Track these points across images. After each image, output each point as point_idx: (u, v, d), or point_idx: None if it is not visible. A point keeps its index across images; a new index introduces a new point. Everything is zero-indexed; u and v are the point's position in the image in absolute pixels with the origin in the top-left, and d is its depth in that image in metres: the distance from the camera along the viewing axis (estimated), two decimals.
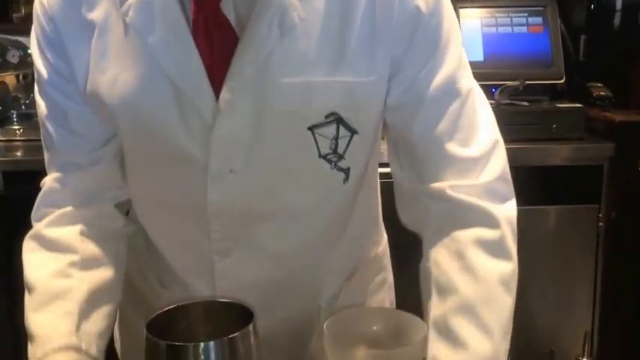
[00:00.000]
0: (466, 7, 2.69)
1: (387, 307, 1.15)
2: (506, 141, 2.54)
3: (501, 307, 0.94)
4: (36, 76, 1.01)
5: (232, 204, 0.96)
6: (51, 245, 1.02)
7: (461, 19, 2.64)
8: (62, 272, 0.99)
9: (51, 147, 1.04)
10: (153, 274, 1.13)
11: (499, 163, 1.02)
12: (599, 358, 2.54)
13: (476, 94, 1.01)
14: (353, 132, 0.94)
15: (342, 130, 0.94)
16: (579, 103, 2.65)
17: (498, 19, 2.70)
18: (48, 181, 1.05)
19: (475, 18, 2.69)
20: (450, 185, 0.96)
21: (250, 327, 0.74)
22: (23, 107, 2.68)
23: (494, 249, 0.96)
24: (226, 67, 0.89)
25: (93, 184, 1.04)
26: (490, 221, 0.96)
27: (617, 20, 2.82)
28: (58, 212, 1.04)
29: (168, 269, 1.08)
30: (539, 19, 2.72)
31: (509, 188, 1.05)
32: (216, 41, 0.90)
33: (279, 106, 0.91)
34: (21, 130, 2.52)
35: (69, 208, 1.04)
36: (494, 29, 2.69)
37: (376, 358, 0.72)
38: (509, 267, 0.98)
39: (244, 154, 0.94)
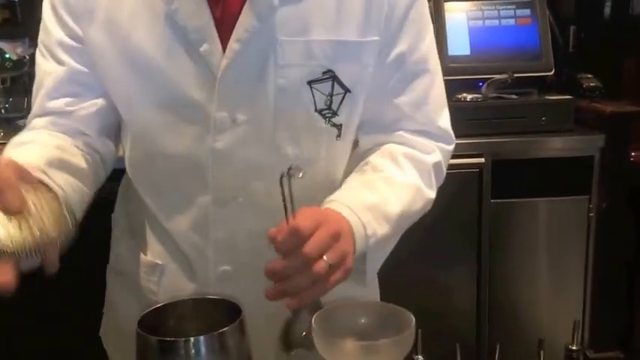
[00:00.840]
0: (451, 1, 2.70)
1: (374, 300, 1.18)
2: (495, 135, 2.59)
3: (406, 206, 1.05)
4: (42, 35, 1.07)
5: (233, 153, 1.03)
6: (36, 140, 1.03)
7: (446, 13, 2.66)
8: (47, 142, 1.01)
9: (44, 100, 1.07)
10: (146, 244, 1.14)
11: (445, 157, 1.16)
12: (589, 347, 2.58)
13: (441, 78, 1.16)
14: (346, 90, 1.04)
15: (337, 88, 1.03)
16: (569, 95, 2.67)
17: (485, 12, 2.71)
18: (30, 124, 1.08)
19: (461, 11, 2.70)
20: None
21: (238, 322, 0.75)
22: (3, 112, 2.69)
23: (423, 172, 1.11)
24: (233, 23, 0.98)
25: (82, 126, 1.08)
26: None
27: (607, 10, 2.84)
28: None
29: (163, 230, 1.10)
30: (527, 11, 2.73)
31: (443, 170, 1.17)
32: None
33: (282, 61, 1.00)
34: (1, 134, 2.53)
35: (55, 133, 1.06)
36: (480, 22, 2.70)
37: (364, 350, 0.73)
38: (430, 194, 1.12)
39: (247, 105, 1.01)
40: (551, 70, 2.69)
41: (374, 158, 1.09)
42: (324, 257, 0.83)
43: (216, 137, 1.01)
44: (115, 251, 1.22)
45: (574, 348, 2.13)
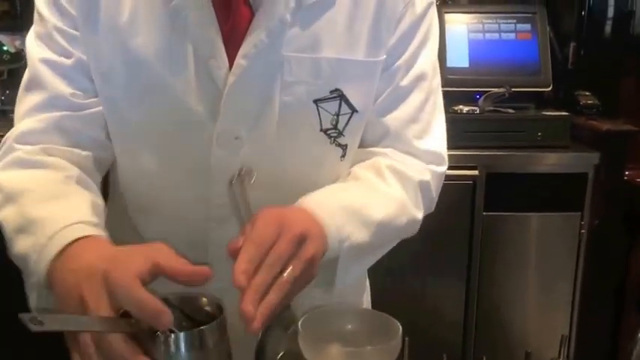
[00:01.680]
0: (452, 13, 2.73)
1: (364, 307, 1.17)
2: (490, 148, 2.60)
3: (389, 216, 1.00)
4: (38, 27, 1.01)
5: (235, 170, 0.99)
6: (38, 164, 0.97)
7: (446, 25, 2.68)
8: (59, 180, 0.95)
9: (36, 89, 1.01)
10: None
11: (435, 180, 1.12)
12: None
13: (438, 97, 1.12)
14: (353, 110, 1.02)
15: (344, 107, 1.01)
16: (566, 112, 2.70)
17: (486, 26, 2.73)
18: (24, 124, 1.00)
19: (461, 24, 2.72)
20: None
21: (219, 320, 0.76)
22: None
23: (409, 188, 1.07)
24: (241, 39, 0.96)
25: (78, 126, 1.02)
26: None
27: (608, 29, 2.86)
28: (37, 146, 1.00)
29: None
30: (527, 26, 2.75)
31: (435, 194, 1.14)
32: (234, 13, 0.96)
33: (289, 78, 0.98)
34: None
35: (50, 145, 1.00)
36: (480, 35, 2.72)
37: (349, 356, 0.74)
38: (417, 213, 1.07)
39: (251, 121, 0.99)
40: (549, 86, 2.71)
41: (356, 169, 1.07)
42: (287, 270, 0.79)
43: (217, 153, 0.99)
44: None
45: None
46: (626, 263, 2.63)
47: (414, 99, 1.07)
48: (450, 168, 2.85)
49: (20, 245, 0.86)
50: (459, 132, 2.53)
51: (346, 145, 1.04)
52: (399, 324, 0.76)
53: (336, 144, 1.03)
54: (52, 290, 0.80)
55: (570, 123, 2.64)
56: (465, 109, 2.65)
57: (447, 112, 2.71)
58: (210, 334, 0.75)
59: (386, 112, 1.07)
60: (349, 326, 0.79)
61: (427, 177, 1.09)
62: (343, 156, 1.05)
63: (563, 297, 2.67)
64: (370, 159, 1.07)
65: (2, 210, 0.92)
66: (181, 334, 0.73)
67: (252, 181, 0.82)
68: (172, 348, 0.73)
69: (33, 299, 0.84)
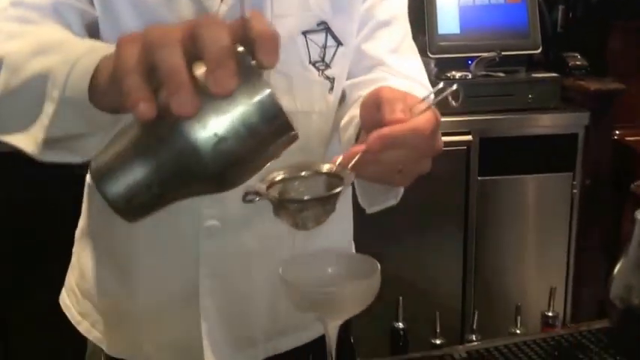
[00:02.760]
0: None
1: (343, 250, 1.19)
2: (482, 112, 2.63)
3: None
4: None
5: None
6: (35, 20, 0.92)
7: None
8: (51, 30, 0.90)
9: None
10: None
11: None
12: (571, 317, 2.64)
13: (412, 41, 1.17)
14: (339, 43, 1.07)
15: (330, 40, 1.06)
16: (556, 74, 2.71)
17: None
18: None
19: None
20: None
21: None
22: None
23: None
24: None
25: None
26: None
27: None
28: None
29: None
30: None
31: None
32: None
33: (278, 10, 1.01)
34: None
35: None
36: (470, 1, 2.74)
37: (331, 297, 0.77)
38: None
39: None
40: (538, 49, 2.74)
41: (363, 89, 1.07)
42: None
43: None
44: (87, 213, 1.19)
45: (550, 314, 2.20)
46: (618, 221, 2.66)
47: (394, 31, 1.13)
48: (443, 135, 2.84)
49: (38, 64, 0.80)
50: None
51: (334, 78, 1.08)
52: (377, 263, 0.80)
53: (324, 77, 1.07)
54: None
55: (560, 84, 2.68)
56: (458, 74, 2.68)
57: (439, 78, 2.75)
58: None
59: (369, 44, 1.11)
60: (329, 270, 0.82)
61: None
62: (331, 89, 1.08)
63: (557, 255, 2.73)
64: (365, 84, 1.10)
65: (5, 44, 0.86)
66: None
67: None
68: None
69: (47, 114, 0.77)
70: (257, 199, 0.74)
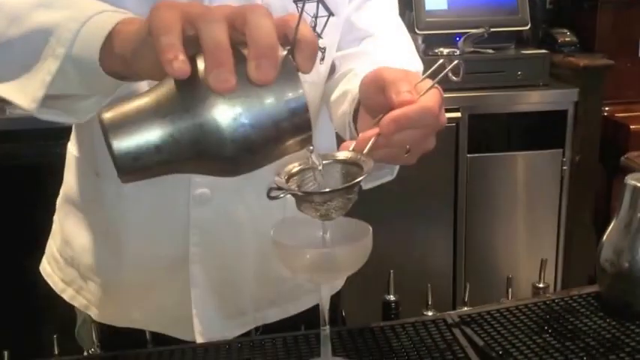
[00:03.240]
0: None
1: None
2: (471, 89, 2.64)
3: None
4: None
5: None
6: None
7: None
8: None
9: None
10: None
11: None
12: (562, 289, 2.66)
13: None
14: (330, 13, 1.07)
15: (321, 10, 1.06)
16: (545, 50, 2.72)
17: None
18: None
19: None
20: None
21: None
22: None
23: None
24: None
25: None
26: None
27: None
28: None
29: None
30: None
31: None
32: None
33: None
34: None
35: None
36: None
37: (323, 258, 0.78)
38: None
39: None
40: (527, 25, 2.75)
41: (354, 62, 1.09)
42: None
43: None
44: (70, 179, 1.17)
45: (540, 285, 2.20)
46: (608, 196, 2.68)
47: (383, 3, 1.14)
48: None
49: (42, 17, 0.78)
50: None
51: (324, 48, 1.09)
52: (369, 226, 0.80)
53: None
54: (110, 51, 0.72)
55: (549, 60, 2.69)
56: (446, 51, 2.68)
57: (427, 55, 2.73)
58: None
59: (358, 15, 1.11)
60: (321, 232, 0.83)
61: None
62: (322, 59, 1.09)
63: (547, 231, 2.75)
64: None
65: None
66: None
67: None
68: None
69: (49, 71, 0.75)
70: (282, 195, 0.75)
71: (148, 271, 1.09)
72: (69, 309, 1.22)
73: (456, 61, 0.84)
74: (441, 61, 0.85)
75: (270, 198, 0.74)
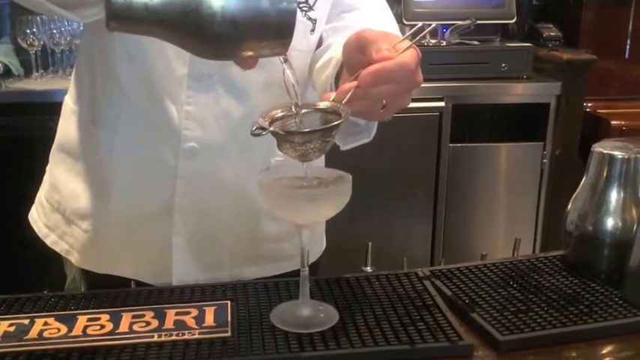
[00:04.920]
0: None
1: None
2: (456, 80, 2.72)
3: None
4: None
5: None
6: None
7: None
8: None
9: None
10: (105, 118, 1.17)
11: None
12: None
13: None
14: None
15: None
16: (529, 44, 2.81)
17: None
18: None
19: None
20: None
21: None
22: None
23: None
24: None
25: None
26: None
27: None
28: None
29: (126, 101, 1.14)
30: None
31: None
32: None
33: None
34: None
35: None
36: None
37: (304, 196, 0.86)
38: None
39: None
40: (513, 18, 2.84)
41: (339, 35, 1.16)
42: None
43: None
44: (65, 129, 1.24)
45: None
46: None
47: None
48: (416, 100, 2.94)
49: None
50: (425, 64, 2.62)
51: (315, 20, 1.15)
52: (349, 175, 0.88)
53: (307, 17, 1.14)
54: None
55: (533, 54, 2.79)
56: (432, 41, 2.76)
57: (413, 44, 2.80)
58: None
59: None
60: (304, 182, 0.90)
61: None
62: (313, 30, 1.15)
63: (526, 221, 2.83)
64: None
65: None
66: None
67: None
68: None
69: None
70: (264, 133, 0.83)
71: (133, 218, 1.16)
72: (59, 266, 1.29)
73: (433, 24, 0.93)
74: (420, 24, 0.94)
75: (254, 135, 0.82)
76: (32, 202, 1.31)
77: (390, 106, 0.91)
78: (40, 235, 1.27)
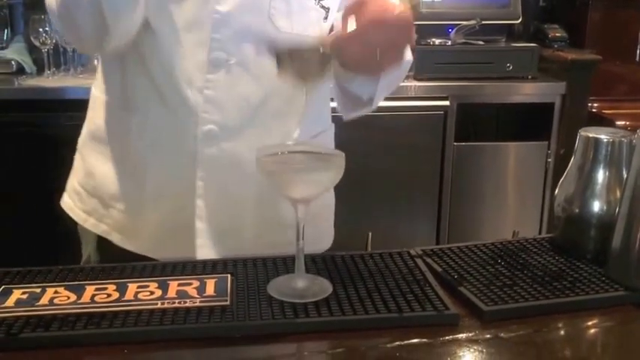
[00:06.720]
0: None
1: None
2: (461, 79, 2.78)
3: None
4: None
5: (232, 17, 1.16)
6: None
7: None
8: None
9: None
10: (134, 104, 1.24)
11: None
12: None
13: None
14: None
15: None
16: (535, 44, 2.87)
17: None
18: None
19: None
20: None
21: None
22: None
23: None
24: None
25: None
26: None
27: None
28: None
29: (152, 86, 1.21)
30: None
31: None
32: None
33: None
34: None
35: None
36: None
37: (302, 172, 0.93)
38: None
39: None
40: (518, 19, 2.90)
41: None
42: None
43: (219, 1, 1.15)
44: (95, 117, 1.31)
45: None
46: None
47: None
48: (421, 99, 2.99)
49: None
50: (431, 64, 2.72)
51: (329, 8, 1.23)
52: (343, 153, 0.95)
53: (320, 5, 1.21)
54: None
55: (538, 54, 2.84)
56: (437, 41, 2.82)
57: (419, 44, 2.87)
58: None
59: None
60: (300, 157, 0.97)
61: None
62: (326, 18, 1.22)
63: (530, 220, 2.88)
64: None
65: None
66: None
67: None
68: None
69: None
70: None
71: (162, 202, 1.22)
72: (72, 250, 1.35)
73: None
74: None
75: None
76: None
77: (383, 57, 1.01)
78: (78, 220, 1.33)
